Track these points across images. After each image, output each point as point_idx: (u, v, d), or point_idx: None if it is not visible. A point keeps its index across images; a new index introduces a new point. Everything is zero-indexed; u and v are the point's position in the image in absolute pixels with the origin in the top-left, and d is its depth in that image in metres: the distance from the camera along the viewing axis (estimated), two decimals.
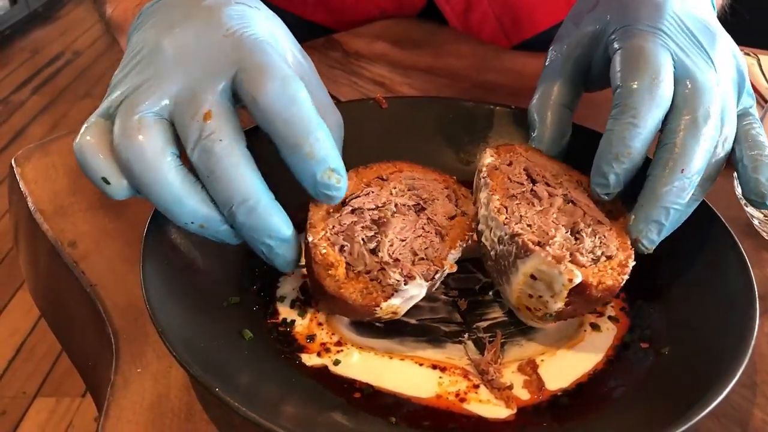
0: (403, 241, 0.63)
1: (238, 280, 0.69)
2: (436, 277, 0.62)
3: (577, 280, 0.57)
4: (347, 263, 0.62)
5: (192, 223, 0.60)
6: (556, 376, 0.61)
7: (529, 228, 0.61)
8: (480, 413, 0.58)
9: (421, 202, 0.68)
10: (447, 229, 0.66)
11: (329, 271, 0.60)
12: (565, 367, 0.62)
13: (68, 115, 3.82)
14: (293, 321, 0.65)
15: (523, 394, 0.60)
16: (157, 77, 0.60)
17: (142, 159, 0.58)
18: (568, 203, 0.65)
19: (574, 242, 0.62)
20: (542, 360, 0.62)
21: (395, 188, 0.69)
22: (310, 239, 0.62)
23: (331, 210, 0.65)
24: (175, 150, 0.60)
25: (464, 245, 0.65)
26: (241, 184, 0.59)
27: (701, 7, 0.71)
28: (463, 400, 0.59)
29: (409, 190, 0.69)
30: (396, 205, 0.67)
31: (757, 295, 0.64)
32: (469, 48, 1.25)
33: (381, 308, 0.60)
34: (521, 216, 0.63)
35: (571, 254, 0.59)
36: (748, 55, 1.16)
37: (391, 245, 0.62)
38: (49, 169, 0.89)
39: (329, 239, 0.62)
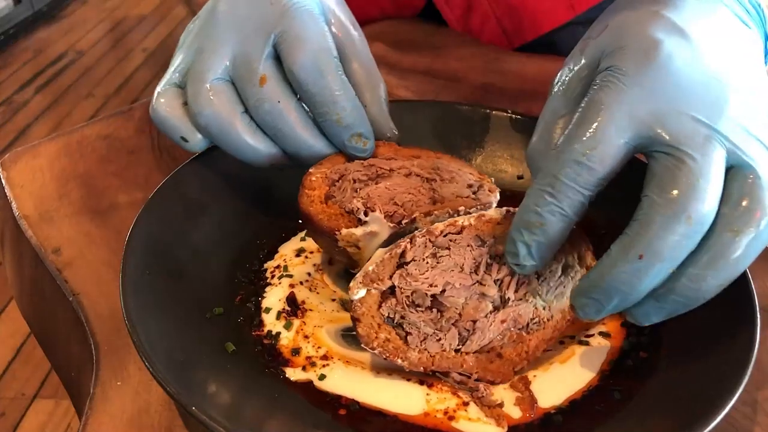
0: (388, 190, 0.66)
1: (222, 290, 0.67)
2: (403, 223, 0.63)
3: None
4: (331, 195, 0.66)
5: (264, 162, 0.71)
6: (549, 392, 0.59)
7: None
8: None
9: (436, 177, 0.69)
10: (445, 200, 0.67)
11: (307, 191, 0.66)
12: (559, 384, 0.59)
13: (71, 114, 3.81)
14: (278, 333, 0.63)
15: (515, 412, 0.57)
16: (213, 42, 0.70)
17: (219, 123, 0.68)
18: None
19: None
20: (534, 376, 0.60)
21: (417, 162, 0.70)
22: (311, 170, 0.68)
23: (348, 162, 0.70)
24: (242, 107, 0.69)
25: (448, 215, 0.64)
26: (305, 137, 0.69)
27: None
28: (451, 418, 0.56)
29: (432, 168, 0.70)
30: (408, 171, 0.69)
31: (758, 308, 0.62)
32: (469, 50, 1.23)
33: (341, 233, 0.63)
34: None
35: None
36: None
37: (375, 190, 0.65)
38: (36, 173, 0.87)
39: (326, 174, 0.67)
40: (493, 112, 0.87)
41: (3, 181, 0.85)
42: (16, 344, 2.39)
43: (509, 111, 0.87)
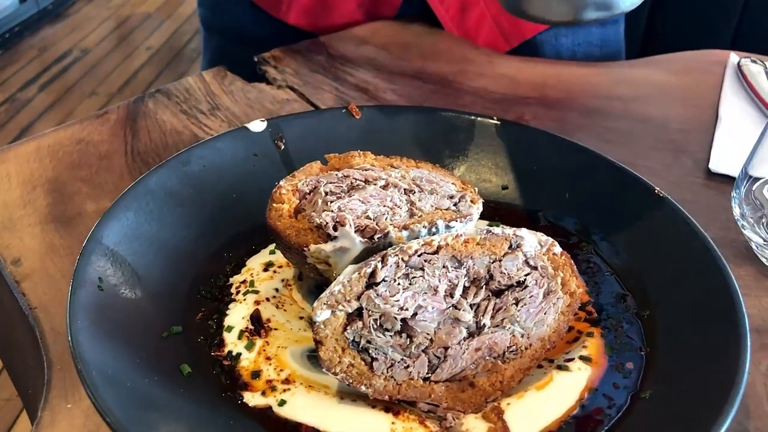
0: (362, 203, 0.62)
1: (183, 306, 0.64)
2: (375, 238, 0.59)
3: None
4: (301, 208, 0.63)
5: None
6: (523, 423, 0.55)
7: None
8: None
9: (415, 189, 0.65)
10: (423, 213, 0.63)
11: (275, 205, 0.63)
12: (534, 413, 0.56)
13: (75, 113, 3.79)
14: (239, 354, 0.60)
15: None
16: None
17: None
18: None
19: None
20: (508, 404, 0.56)
21: (396, 173, 0.67)
22: (281, 183, 0.65)
23: (323, 173, 0.67)
24: None
25: (425, 229, 0.61)
26: None
27: None
28: None
29: (412, 179, 0.66)
30: (384, 181, 0.65)
31: (748, 332, 0.58)
32: (460, 52, 1.19)
33: (309, 250, 0.59)
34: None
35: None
36: (755, 62, 1.09)
37: (348, 203, 0.62)
38: (2, 178, 0.84)
39: (297, 187, 0.64)
40: (478, 118, 0.83)
41: None
42: None
43: (495, 117, 0.83)
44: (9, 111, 3.80)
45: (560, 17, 0.69)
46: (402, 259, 0.55)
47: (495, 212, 0.76)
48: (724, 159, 0.91)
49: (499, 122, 0.82)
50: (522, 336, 0.58)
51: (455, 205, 0.65)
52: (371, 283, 0.55)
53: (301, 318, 0.65)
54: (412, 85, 1.08)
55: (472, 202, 0.66)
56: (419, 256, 0.55)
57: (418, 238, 0.60)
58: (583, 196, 0.75)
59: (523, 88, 1.09)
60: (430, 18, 1.25)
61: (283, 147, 0.79)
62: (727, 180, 0.90)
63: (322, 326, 0.54)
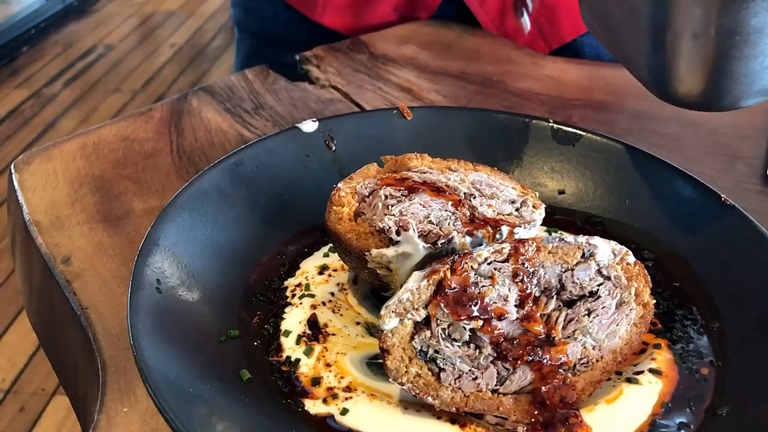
0: (424, 207, 0.60)
1: (239, 309, 0.62)
2: (439, 244, 0.57)
3: None
4: (361, 212, 0.62)
5: None
6: None
7: None
8: None
9: (475, 192, 0.63)
10: (485, 218, 0.61)
11: (335, 208, 0.61)
12: (605, 427, 0.54)
13: (98, 109, 3.81)
14: (298, 360, 0.58)
15: None
16: None
17: None
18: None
19: None
20: None
21: (455, 176, 0.65)
22: (339, 185, 0.63)
23: (382, 173, 0.66)
24: None
25: (489, 235, 0.59)
26: None
27: None
28: None
29: (471, 183, 0.65)
30: (444, 185, 0.63)
31: None
32: (504, 53, 1.17)
33: (371, 254, 0.58)
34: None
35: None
36: None
37: (409, 207, 0.60)
38: (49, 176, 0.83)
39: (356, 190, 0.63)
40: (533, 121, 0.81)
41: (15, 184, 0.81)
42: (37, 339, 2.38)
43: (550, 120, 0.81)
44: (34, 107, 3.83)
45: (723, 106, 0.67)
46: (471, 267, 0.53)
47: (551, 217, 0.74)
48: None
49: (554, 125, 0.80)
50: (593, 348, 0.56)
51: (517, 210, 0.63)
52: (440, 291, 0.53)
53: (358, 323, 0.63)
54: (456, 86, 1.07)
55: (534, 207, 0.64)
56: (489, 264, 0.54)
57: (481, 244, 0.58)
58: (645, 203, 0.73)
59: (570, 90, 1.07)
60: (464, 20, 1.23)
61: (333, 148, 0.78)
62: None
63: (390, 335, 0.52)
